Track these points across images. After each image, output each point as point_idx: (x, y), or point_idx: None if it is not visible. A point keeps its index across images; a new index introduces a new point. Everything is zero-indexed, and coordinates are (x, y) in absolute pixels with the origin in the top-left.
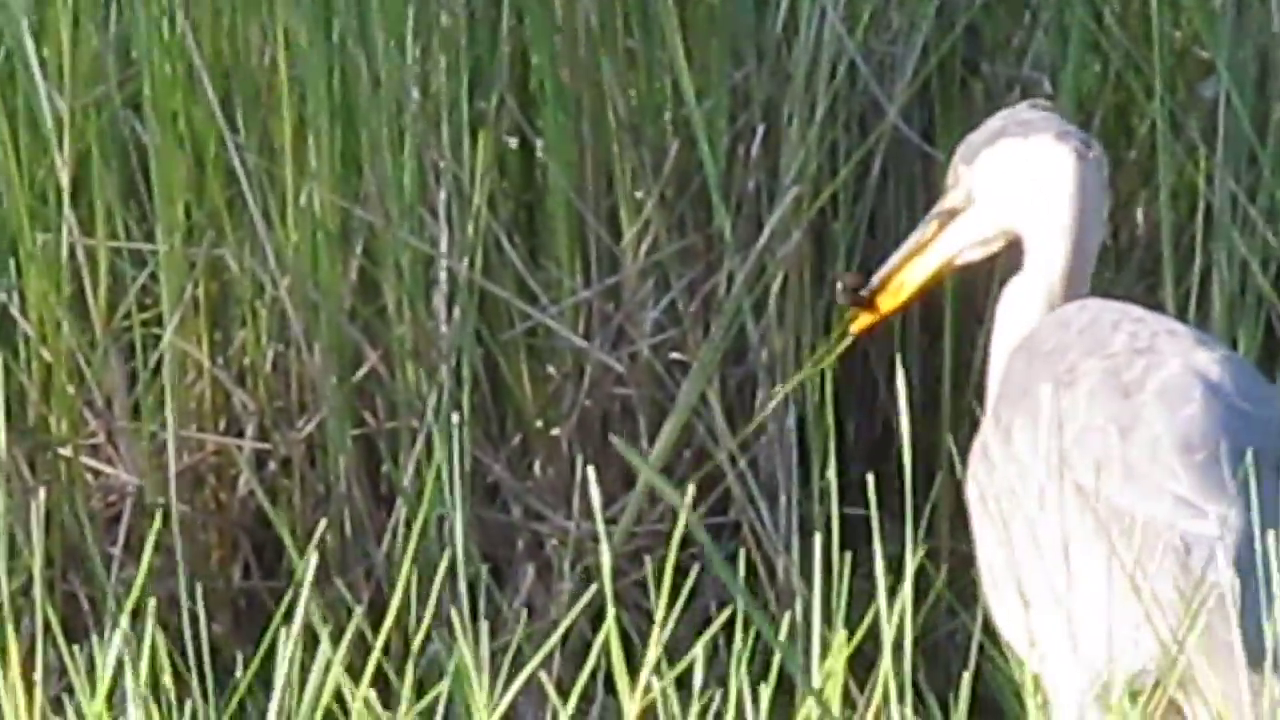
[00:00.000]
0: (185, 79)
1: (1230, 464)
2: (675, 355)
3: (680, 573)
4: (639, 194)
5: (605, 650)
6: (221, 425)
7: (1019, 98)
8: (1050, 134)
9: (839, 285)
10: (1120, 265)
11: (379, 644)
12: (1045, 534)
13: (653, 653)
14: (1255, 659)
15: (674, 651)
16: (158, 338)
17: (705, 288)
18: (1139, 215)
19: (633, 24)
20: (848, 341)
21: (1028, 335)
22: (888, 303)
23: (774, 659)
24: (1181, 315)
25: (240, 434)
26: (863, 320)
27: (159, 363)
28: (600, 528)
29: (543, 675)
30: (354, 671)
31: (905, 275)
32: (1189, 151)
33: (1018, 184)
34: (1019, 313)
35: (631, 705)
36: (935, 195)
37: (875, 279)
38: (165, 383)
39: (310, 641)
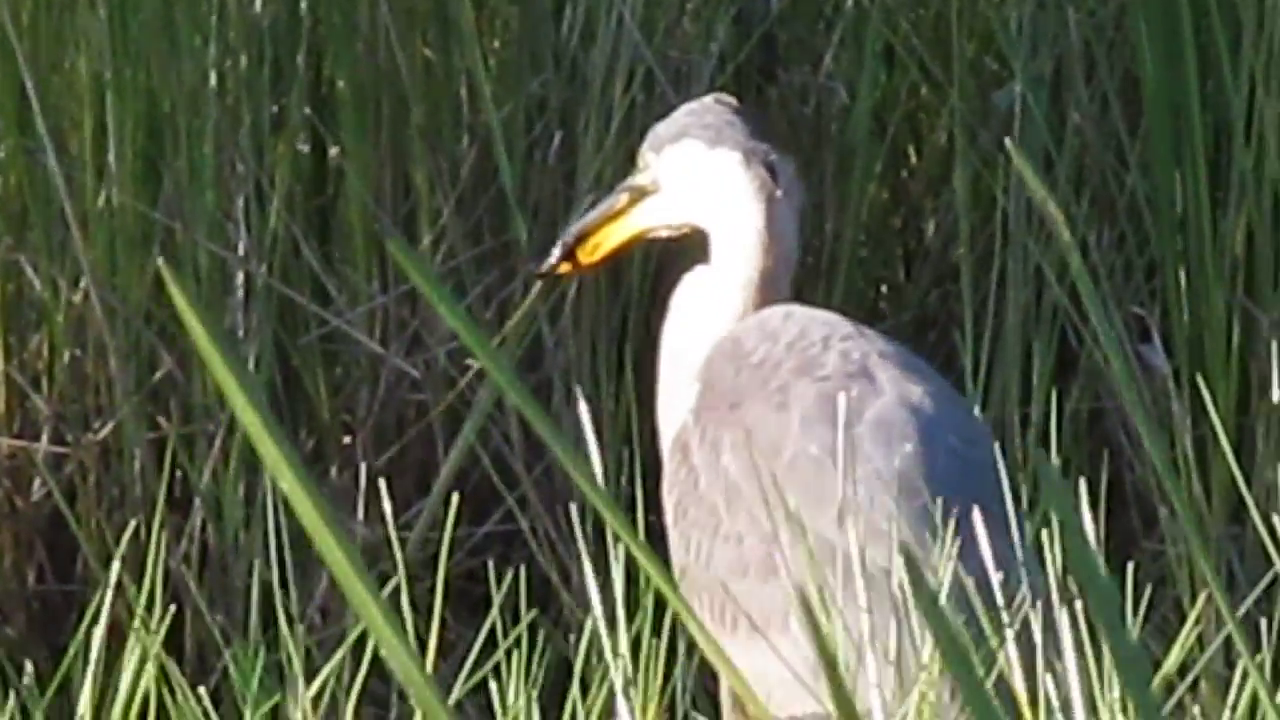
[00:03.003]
0: None
1: (947, 508)
2: (470, 361)
3: (474, 580)
4: (436, 200)
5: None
6: (17, 428)
7: (815, 107)
8: (738, 154)
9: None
10: (915, 274)
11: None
12: (751, 560)
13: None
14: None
15: (468, 657)
16: None
17: (501, 294)
18: (934, 224)
19: (430, 30)
20: (545, 285)
21: (730, 339)
22: (585, 257)
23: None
24: (977, 324)
25: (36, 437)
26: (565, 268)
27: None
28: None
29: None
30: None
31: (601, 237)
32: (985, 160)
33: (703, 189)
34: (703, 314)
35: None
36: None
37: (572, 232)
38: None
39: (113, 645)
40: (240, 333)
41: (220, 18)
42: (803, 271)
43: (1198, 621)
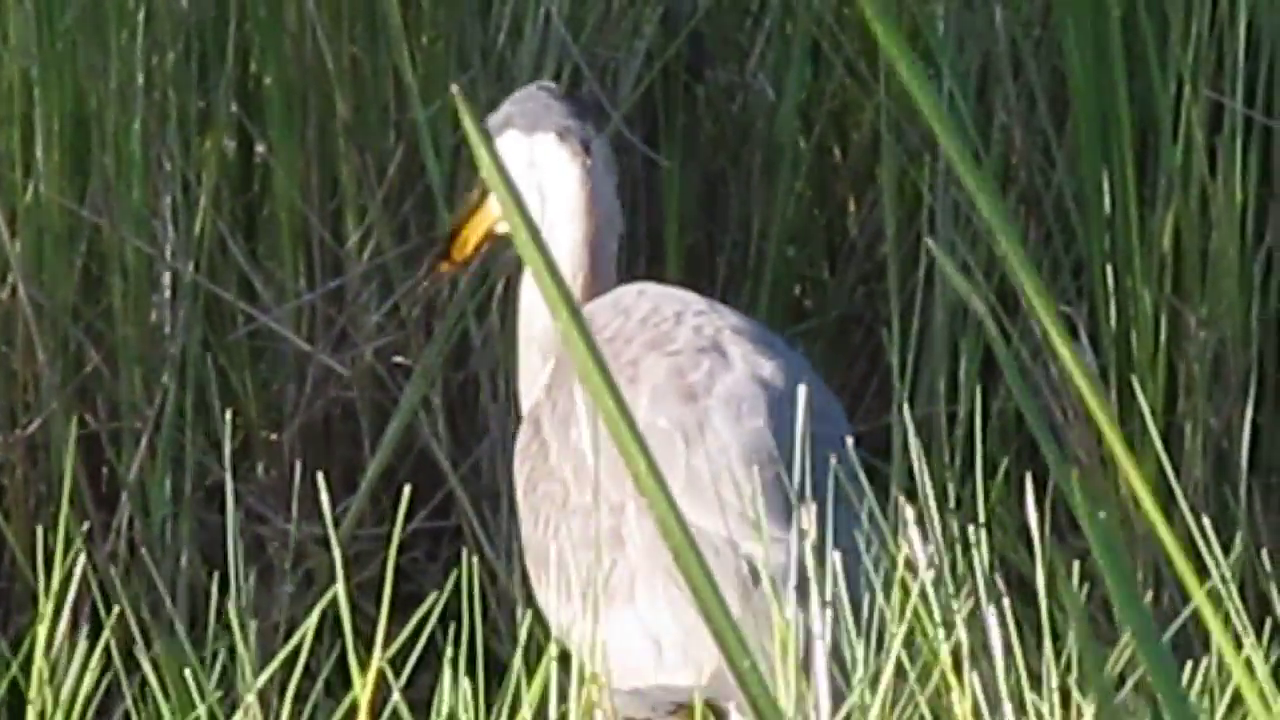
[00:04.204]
0: None
1: (795, 483)
2: (398, 359)
3: (401, 576)
4: (363, 197)
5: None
6: None
7: (742, 104)
8: (552, 133)
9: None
10: (840, 271)
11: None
12: (599, 533)
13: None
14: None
15: (395, 656)
16: None
17: (427, 291)
18: (860, 222)
19: (357, 26)
20: (430, 284)
21: (587, 313)
22: (457, 252)
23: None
24: (904, 321)
25: None
26: (444, 266)
27: None
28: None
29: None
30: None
31: (468, 232)
32: (910, 157)
33: (527, 174)
34: (539, 304)
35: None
36: (656, 199)
37: (445, 232)
38: None
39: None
40: (167, 329)
41: (147, 14)
42: (729, 269)
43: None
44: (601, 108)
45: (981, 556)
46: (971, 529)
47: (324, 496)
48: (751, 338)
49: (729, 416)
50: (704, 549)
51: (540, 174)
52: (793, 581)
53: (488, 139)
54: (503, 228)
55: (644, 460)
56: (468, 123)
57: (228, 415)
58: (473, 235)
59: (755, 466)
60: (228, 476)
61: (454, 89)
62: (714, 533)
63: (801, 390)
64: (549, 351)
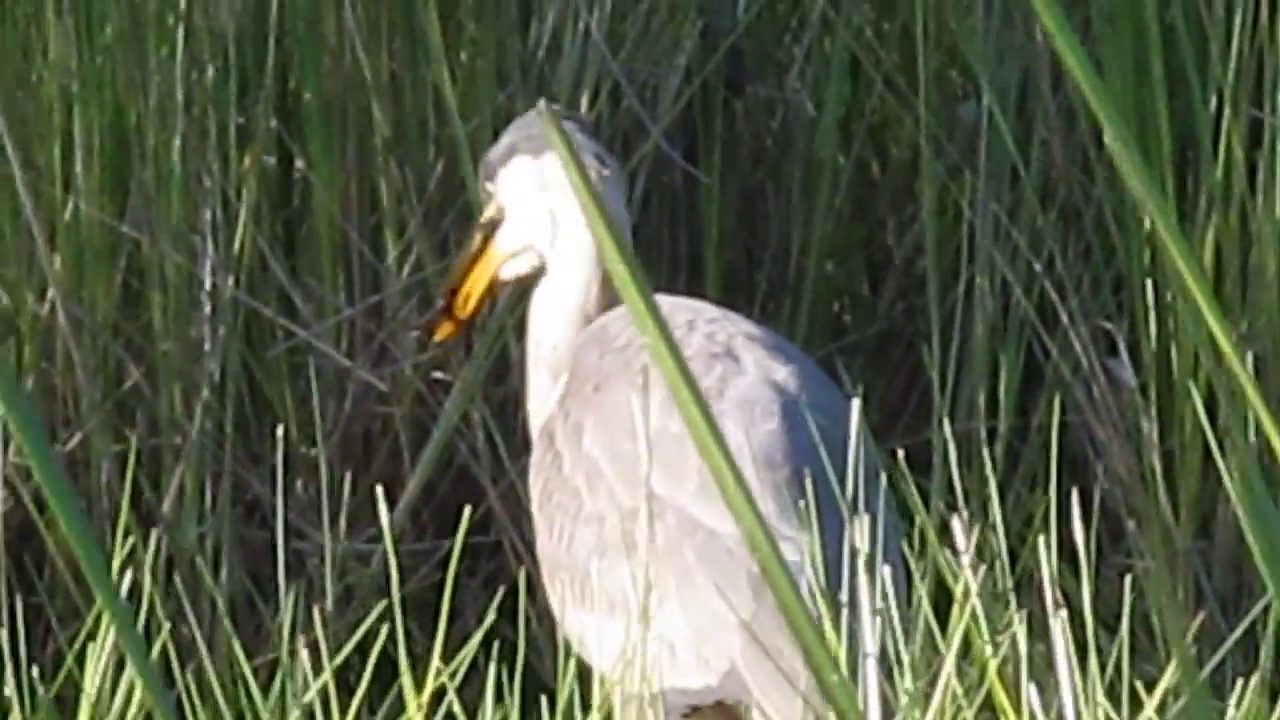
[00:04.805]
0: None
1: (810, 485)
2: (437, 374)
3: (439, 591)
4: (403, 213)
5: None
6: None
7: (781, 119)
8: (551, 157)
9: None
10: (880, 287)
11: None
12: (612, 539)
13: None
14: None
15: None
16: None
17: None
18: (899, 237)
19: (397, 41)
20: (431, 347)
21: (598, 326)
22: (460, 310)
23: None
24: (944, 337)
25: (4, 448)
26: (445, 328)
27: None
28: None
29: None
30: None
31: (469, 286)
32: (950, 173)
33: (537, 198)
34: (550, 326)
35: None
36: (695, 214)
37: (443, 291)
38: None
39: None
40: (207, 345)
41: (187, 30)
42: (768, 285)
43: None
44: (640, 123)
45: (1050, 568)
46: (1025, 542)
47: (382, 510)
48: (764, 344)
49: (741, 420)
50: (718, 551)
51: (551, 194)
52: (806, 582)
53: (571, 148)
54: (507, 273)
55: (732, 475)
56: (554, 136)
57: (269, 431)
58: (475, 288)
59: (767, 468)
60: (279, 494)
61: (541, 103)
62: (728, 535)
63: (855, 404)
64: (559, 372)
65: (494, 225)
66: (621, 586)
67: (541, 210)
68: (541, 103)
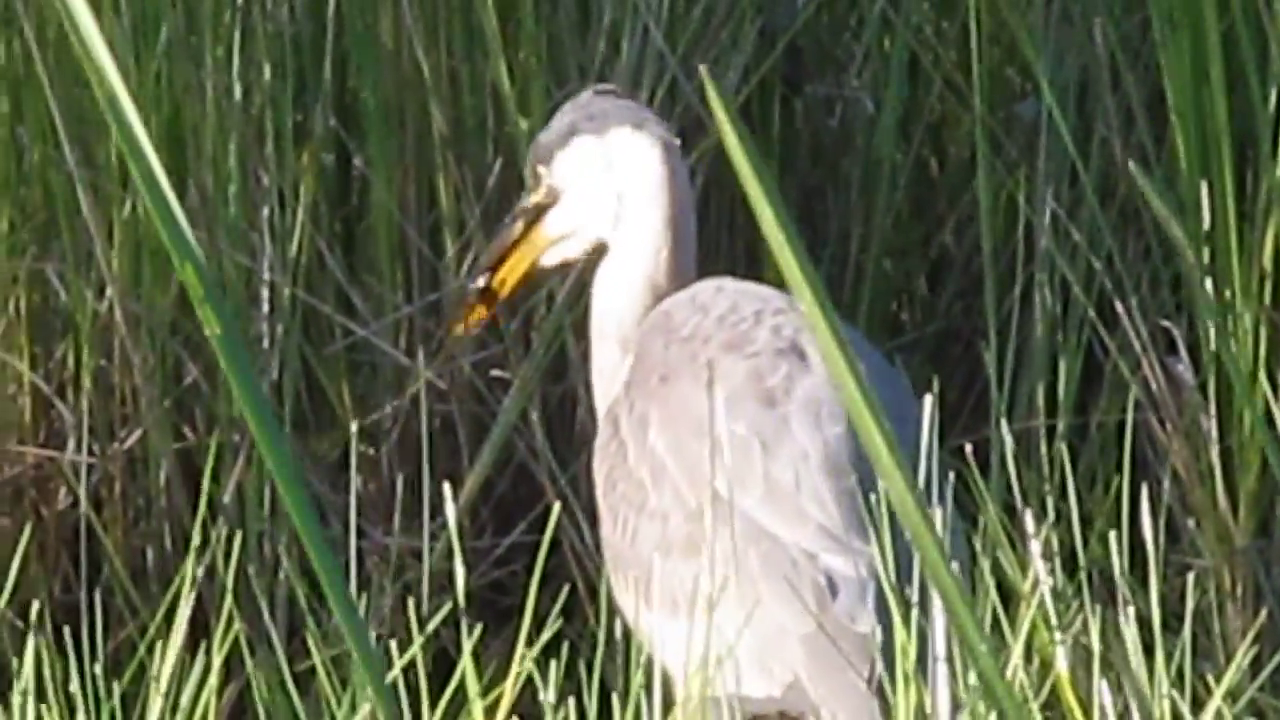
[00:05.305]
0: (9, 92)
1: (877, 493)
2: (496, 372)
3: (500, 590)
4: (461, 211)
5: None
6: (43, 437)
7: (840, 117)
8: (627, 126)
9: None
10: (938, 285)
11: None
12: (675, 538)
13: (515, 668)
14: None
15: (498, 673)
16: None
17: (526, 305)
18: (958, 235)
19: (455, 39)
20: (463, 334)
21: (662, 312)
22: (496, 295)
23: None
24: (1002, 336)
25: (62, 446)
26: (479, 312)
27: None
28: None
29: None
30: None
31: (506, 271)
32: (1010, 170)
33: (603, 176)
34: (617, 298)
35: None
36: (754, 212)
37: (478, 276)
38: None
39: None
40: (265, 343)
41: (244, 29)
42: (827, 283)
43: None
44: (699, 121)
45: (1120, 565)
46: (1085, 541)
47: (449, 505)
48: None
49: (807, 422)
50: (781, 559)
51: (617, 173)
52: (870, 597)
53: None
54: (551, 259)
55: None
56: (717, 106)
57: (327, 429)
58: (515, 273)
59: (833, 473)
60: (338, 492)
61: (702, 69)
62: (792, 543)
63: (928, 401)
64: (626, 345)
65: (541, 210)
66: (684, 588)
67: (606, 191)
68: (596, 86)
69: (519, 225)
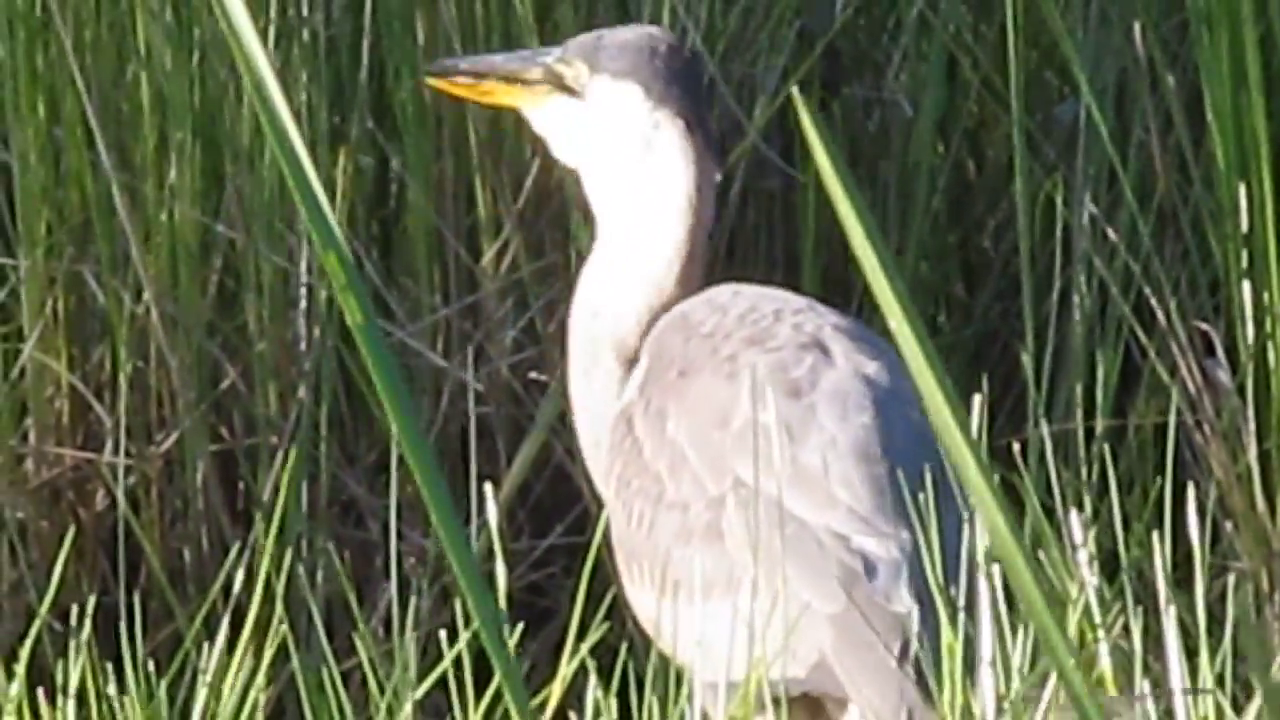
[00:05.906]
0: (46, 95)
1: (906, 480)
2: (533, 374)
3: (537, 592)
4: (499, 212)
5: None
6: (80, 439)
7: (879, 120)
8: (681, 123)
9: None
10: (976, 288)
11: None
12: (696, 526)
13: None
14: (920, 684)
15: (531, 672)
16: (18, 352)
17: (564, 307)
18: (996, 238)
19: (493, 40)
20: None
21: (679, 313)
22: (460, 91)
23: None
24: (1040, 339)
25: (100, 448)
26: (441, 84)
27: (18, 376)
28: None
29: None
30: (215, 689)
31: (499, 95)
32: (1048, 172)
33: (634, 143)
34: (622, 310)
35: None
36: (793, 215)
37: (470, 64)
38: (29, 398)
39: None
40: (303, 346)
41: (281, 31)
42: (865, 287)
43: None
44: (737, 123)
45: (1164, 566)
46: (1132, 540)
47: (490, 507)
48: (853, 335)
49: (834, 412)
50: (808, 543)
51: (653, 165)
52: (905, 578)
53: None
54: (537, 121)
55: (974, 463)
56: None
57: (365, 431)
58: (500, 100)
59: (863, 460)
60: (376, 494)
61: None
62: (820, 526)
63: (976, 399)
64: (624, 351)
65: (560, 85)
66: (704, 574)
67: (636, 167)
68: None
69: (538, 73)
